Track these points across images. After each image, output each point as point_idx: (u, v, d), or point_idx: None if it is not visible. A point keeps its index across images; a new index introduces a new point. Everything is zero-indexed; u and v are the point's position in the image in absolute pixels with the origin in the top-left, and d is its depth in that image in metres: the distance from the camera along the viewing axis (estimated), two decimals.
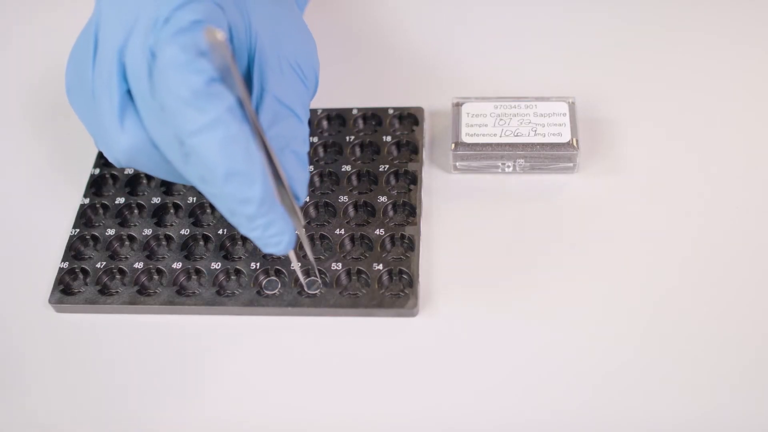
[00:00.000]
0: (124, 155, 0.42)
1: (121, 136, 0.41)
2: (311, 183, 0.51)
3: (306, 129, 0.44)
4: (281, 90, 0.43)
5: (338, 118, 0.54)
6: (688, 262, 0.47)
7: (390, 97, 0.55)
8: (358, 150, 0.53)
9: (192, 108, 0.37)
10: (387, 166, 0.51)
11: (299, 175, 0.42)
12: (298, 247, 0.47)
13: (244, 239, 0.49)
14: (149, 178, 0.52)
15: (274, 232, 0.40)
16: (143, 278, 0.48)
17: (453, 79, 0.56)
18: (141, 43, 0.40)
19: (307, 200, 0.50)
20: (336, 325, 0.46)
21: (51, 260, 0.50)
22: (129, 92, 0.41)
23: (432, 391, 0.44)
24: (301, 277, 0.46)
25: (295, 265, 0.45)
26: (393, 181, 0.51)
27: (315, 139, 0.53)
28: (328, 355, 0.45)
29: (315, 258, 0.48)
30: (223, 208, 0.40)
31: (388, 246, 0.48)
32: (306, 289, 0.47)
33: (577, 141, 0.50)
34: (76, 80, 0.43)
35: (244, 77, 0.44)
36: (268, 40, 0.44)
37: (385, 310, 0.46)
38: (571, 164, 0.50)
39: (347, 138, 0.53)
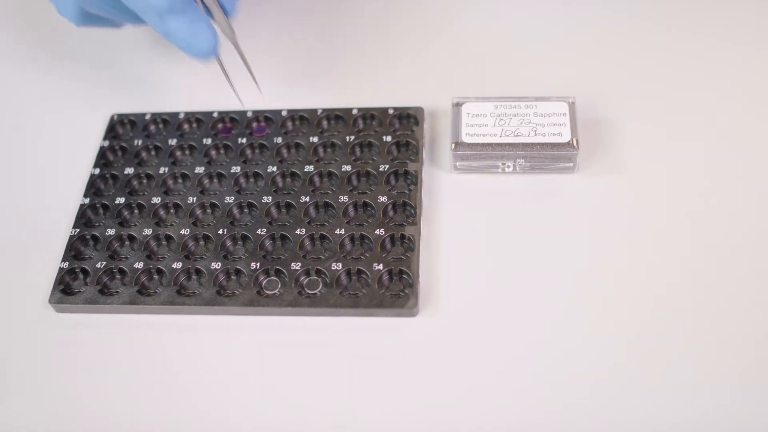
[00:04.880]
0: None
1: None
2: (311, 182, 0.51)
3: None
4: None
5: (338, 118, 0.54)
6: (688, 262, 0.47)
7: (390, 97, 0.55)
8: (358, 150, 0.53)
9: None
10: (387, 166, 0.51)
11: None
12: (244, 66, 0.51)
13: (245, 239, 0.49)
14: (149, 177, 0.52)
15: (198, 29, 0.45)
16: (143, 278, 0.48)
17: (453, 79, 0.56)
18: None
19: (307, 200, 0.50)
20: (336, 325, 0.46)
21: (51, 260, 0.50)
22: None
23: (432, 390, 0.44)
24: (233, 89, 0.51)
25: (223, 73, 0.50)
26: (393, 181, 0.51)
27: (315, 139, 0.53)
28: (328, 355, 0.45)
29: (315, 258, 0.48)
30: (151, 19, 0.46)
31: (388, 246, 0.48)
32: (306, 288, 0.47)
33: (577, 141, 0.50)
34: None
35: None
36: None
37: (385, 310, 0.46)
38: (571, 164, 0.50)
39: (347, 138, 0.53)
